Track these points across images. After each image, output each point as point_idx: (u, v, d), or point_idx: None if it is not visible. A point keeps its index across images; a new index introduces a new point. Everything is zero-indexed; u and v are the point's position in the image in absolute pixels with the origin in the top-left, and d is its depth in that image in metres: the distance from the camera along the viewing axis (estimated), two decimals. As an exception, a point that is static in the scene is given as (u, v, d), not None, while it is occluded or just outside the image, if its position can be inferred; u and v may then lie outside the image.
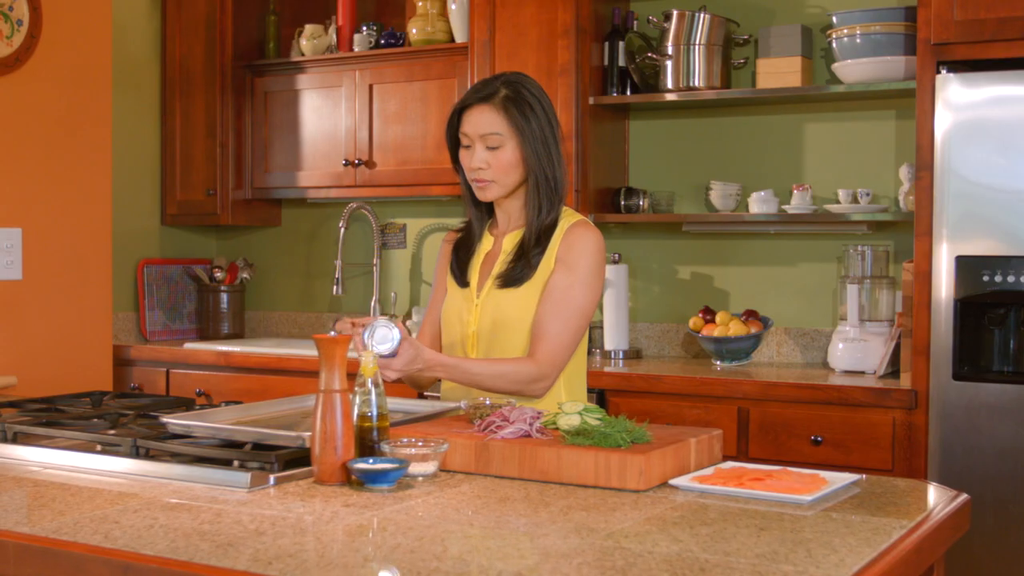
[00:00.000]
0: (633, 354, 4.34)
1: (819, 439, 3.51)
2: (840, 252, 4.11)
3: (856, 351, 3.80)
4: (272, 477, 2.02)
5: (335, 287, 4.82)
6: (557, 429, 2.17)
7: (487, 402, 2.30)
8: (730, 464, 2.14)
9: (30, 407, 2.67)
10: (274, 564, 1.52)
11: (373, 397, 2.09)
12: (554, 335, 2.56)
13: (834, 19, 3.92)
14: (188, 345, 4.77)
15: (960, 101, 3.35)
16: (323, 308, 5.21)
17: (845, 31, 3.86)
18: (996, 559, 3.28)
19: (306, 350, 4.50)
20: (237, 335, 5.17)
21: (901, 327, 3.63)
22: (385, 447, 2.06)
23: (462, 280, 2.73)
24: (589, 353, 3.54)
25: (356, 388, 2.09)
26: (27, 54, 3.76)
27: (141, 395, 2.98)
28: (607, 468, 1.98)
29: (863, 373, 3.78)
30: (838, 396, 3.51)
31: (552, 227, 2.65)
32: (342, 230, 4.83)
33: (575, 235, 2.63)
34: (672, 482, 2.00)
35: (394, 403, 2.44)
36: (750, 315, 4.12)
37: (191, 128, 5.04)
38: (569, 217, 2.68)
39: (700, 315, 4.18)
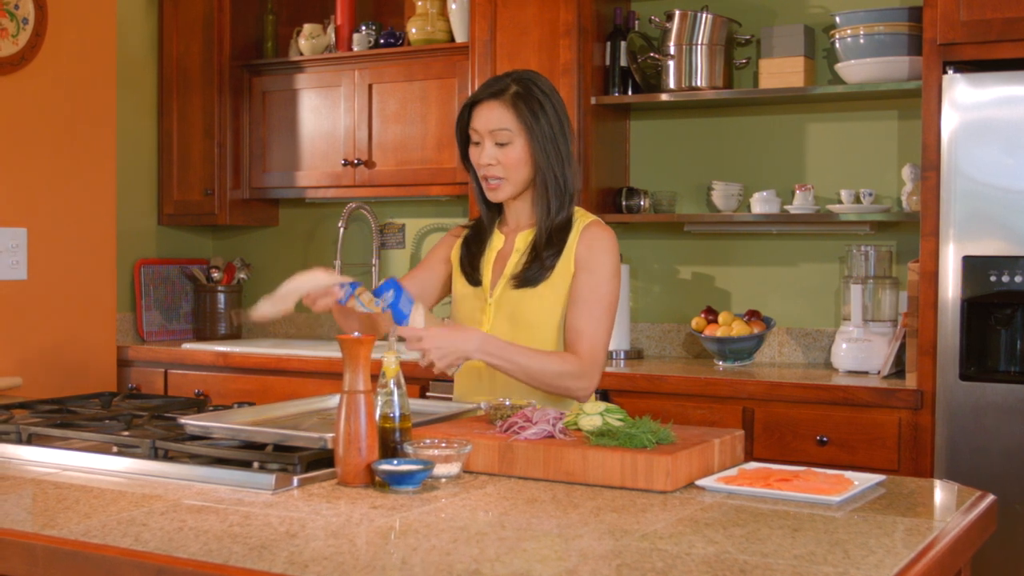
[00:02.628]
0: (634, 354, 4.33)
1: (825, 439, 3.51)
2: (842, 252, 4.11)
3: (860, 351, 3.80)
4: (296, 479, 2.00)
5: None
6: (579, 430, 2.17)
7: (507, 403, 2.29)
8: (754, 465, 2.14)
9: (41, 408, 2.65)
10: (311, 567, 1.51)
11: (395, 398, 2.08)
12: (591, 333, 2.55)
13: (837, 19, 3.92)
14: (186, 345, 4.74)
15: (966, 101, 3.36)
16: (321, 308, 5.17)
17: (848, 31, 3.86)
18: (1003, 559, 3.28)
19: (305, 351, 4.48)
20: (234, 336, 5.14)
21: (907, 327, 3.63)
22: (408, 448, 2.05)
23: (473, 278, 2.71)
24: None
25: (378, 388, 2.08)
26: (32, 53, 3.73)
27: (151, 396, 2.96)
28: (633, 469, 1.98)
29: (866, 373, 3.78)
30: (843, 396, 3.51)
31: (565, 226, 2.63)
32: (341, 230, 4.81)
33: (592, 236, 2.62)
34: (699, 483, 1.99)
35: (411, 404, 2.43)
36: (752, 315, 4.12)
37: (188, 128, 5.01)
38: (583, 218, 2.66)
39: (703, 315, 4.17)
